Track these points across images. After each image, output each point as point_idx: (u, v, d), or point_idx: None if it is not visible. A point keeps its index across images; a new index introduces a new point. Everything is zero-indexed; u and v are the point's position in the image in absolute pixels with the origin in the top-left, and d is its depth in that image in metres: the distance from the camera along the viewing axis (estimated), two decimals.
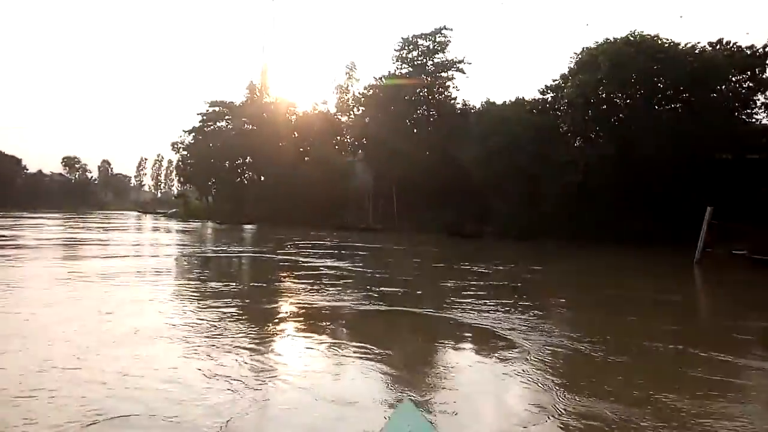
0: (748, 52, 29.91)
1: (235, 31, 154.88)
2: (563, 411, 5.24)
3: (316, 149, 53.30)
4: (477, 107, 48.22)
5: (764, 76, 29.17)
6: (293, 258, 21.48)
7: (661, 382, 6.24)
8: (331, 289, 13.76)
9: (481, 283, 15.53)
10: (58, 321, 8.35)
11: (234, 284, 14.21)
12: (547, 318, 10.32)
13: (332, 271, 17.51)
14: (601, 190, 31.38)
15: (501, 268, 19.11)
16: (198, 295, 12.00)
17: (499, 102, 39.21)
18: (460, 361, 7.24)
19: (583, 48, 32.13)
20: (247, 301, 11.58)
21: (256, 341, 7.72)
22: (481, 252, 27.59)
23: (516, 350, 7.65)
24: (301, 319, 9.79)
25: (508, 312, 10.69)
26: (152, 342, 7.36)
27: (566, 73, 34.78)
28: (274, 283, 15.59)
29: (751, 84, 30.05)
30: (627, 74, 28.53)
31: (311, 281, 15.00)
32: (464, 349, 8.10)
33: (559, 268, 20.25)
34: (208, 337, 7.74)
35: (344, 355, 7.15)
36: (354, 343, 7.76)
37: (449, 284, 14.97)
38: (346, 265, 19.39)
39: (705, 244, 22.58)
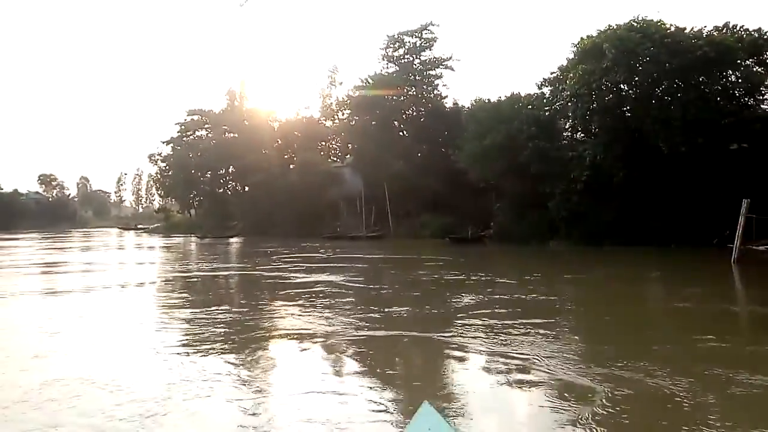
0: (756, 35, 28.02)
1: (213, 38, 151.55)
2: None
3: (302, 156, 50.82)
4: (468, 105, 46.24)
5: None
6: (283, 274, 19.14)
7: None
8: (325, 310, 11.77)
9: (506, 296, 13.26)
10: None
11: (215, 309, 11.92)
12: (604, 341, 8.02)
13: (326, 288, 15.39)
14: (611, 187, 29.24)
15: (529, 278, 16.80)
16: (174, 326, 9.72)
17: (493, 99, 36.98)
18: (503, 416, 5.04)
19: (585, 36, 30.07)
20: (229, 332, 9.29)
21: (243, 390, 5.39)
22: (490, 259, 25.33)
23: (575, 393, 5.45)
24: (289, 352, 8.34)
25: (549, 337, 8.43)
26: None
27: (565, 64, 32.69)
28: (261, 305, 13.29)
29: (760, 69, 28.14)
30: (635, 61, 26.50)
31: (303, 301, 13.12)
32: (503, 395, 5.85)
33: (593, 276, 17.91)
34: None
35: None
36: (352, 391, 6.12)
37: (466, 300, 12.73)
38: (341, 279, 17.15)
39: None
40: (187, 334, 9.54)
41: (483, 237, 35.71)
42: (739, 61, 26.74)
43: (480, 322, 9.88)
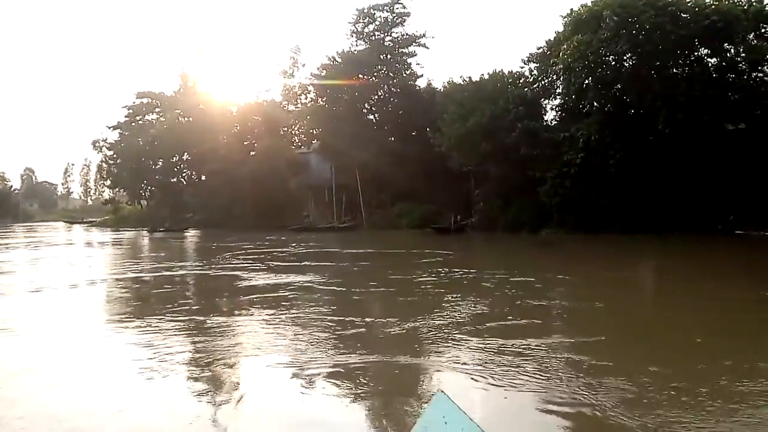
0: (759, 5, 25.98)
1: (165, 13, 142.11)
2: None
3: (263, 142, 46.95)
4: (443, 86, 43.36)
5: None
6: (243, 274, 15.81)
7: None
8: (293, 327, 8.97)
9: (531, 302, 10.47)
10: None
11: (156, 326, 8.71)
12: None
13: (296, 293, 12.51)
14: (606, 171, 26.90)
15: (551, 276, 13.94)
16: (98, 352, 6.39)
17: (473, 78, 34.17)
18: None
19: (581, 5, 27.46)
20: (171, 362, 6.09)
21: None
22: (491, 251, 22.49)
23: None
24: (238, 395, 5.83)
25: (618, 375, 5.56)
26: None
27: (554, 38, 30.11)
28: (214, 319, 10.00)
29: (765, 43, 26.17)
30: (637, 31, 24.05)
31: (265, 313, 10.28)
32: None
33: (632, 272, 15.07)
34: None
35: None
36: None
37: (479, 307, 9.84)
38: (314, 281, 14.05)
39: None
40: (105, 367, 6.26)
41: (465, 226, 32.99)
42: (745, 33, 24.57)
43: (510, 345, 7.04)
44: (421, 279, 14.05)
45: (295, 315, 10.17)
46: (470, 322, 8.85)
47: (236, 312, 11.00)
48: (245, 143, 53.93)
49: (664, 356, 6.82)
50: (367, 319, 9.43)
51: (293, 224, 40.21)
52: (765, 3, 25.99)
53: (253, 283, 14.40)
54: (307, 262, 18.52)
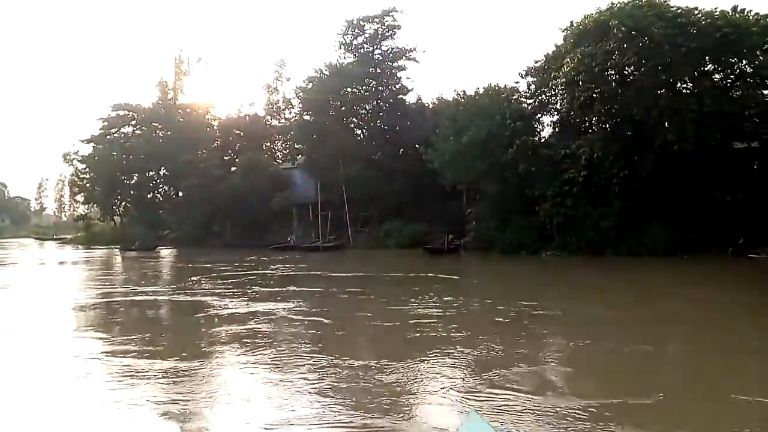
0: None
1: (143, 21, 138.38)
2: None
3: (245, 157, 44.83)
4: (433, 101, 41.87)
5: None
6: (217, 301, 13.80)
7: None
8: (269, 372, 7.54)
9: (562, 343, 8.65)
10: None
11: (91, 369, 6.88)
12: None
13: (274, 326, 10.78)
14: (611, 190, 25.34)
15: (576, 309, 12.06)
16: None
17: (469, 92, 32.57)
18: None
19: (583, 17, 26.09)
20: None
21: None
22: (492, 275, 20.56)
23: None
24: None
25: None
26: None
27: (554, 50, 28.73)
28: (172, 363, 8.06)
29: None
30: (645, 42, 22.68)
31: (239, 353, 8.67)
32: None
33: (661, 306, 13.21)
34: None
35: None
36: None
37: (497, 350, 8.11)
38: (296, 310, 12.22)
39: None
40: None
41: (458, 247, 31.15)
42: (756, 47, 23.37)
43: (545, 405, 5.29)
44: (421, 310, 12.08)
45: (272, 355, 8.40)
46: (488, 368, 7.09)
47: (202, 350, 9.09)
48: (226, 158, 51.82)
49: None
50: (358, 363, 7.75)
51: (276, 243, 38.05)
52: None
53: (226, 311, 12.41)
54: (289, 287, 16.48)
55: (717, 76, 24.04)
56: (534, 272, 21.68)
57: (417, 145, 36.95)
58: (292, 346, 9.02)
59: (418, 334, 9.69)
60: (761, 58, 23.58)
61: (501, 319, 11.06)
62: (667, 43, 22.54)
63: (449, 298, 13.61)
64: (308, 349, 8.76)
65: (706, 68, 23.63)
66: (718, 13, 23.36)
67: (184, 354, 8.42)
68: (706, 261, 22.51)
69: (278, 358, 8.17)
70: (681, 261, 23.04)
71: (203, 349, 9.20)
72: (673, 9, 24.15)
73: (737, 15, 24.04)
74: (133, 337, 9.87)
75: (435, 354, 8.25)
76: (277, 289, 16.09)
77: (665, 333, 10.01)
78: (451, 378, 7.03)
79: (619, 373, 7.50)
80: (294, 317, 11.51)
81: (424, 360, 7.95)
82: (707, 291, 14.92)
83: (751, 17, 23.90)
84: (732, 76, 23.87)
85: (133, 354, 8.56)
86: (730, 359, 8.04)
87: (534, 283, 18.34)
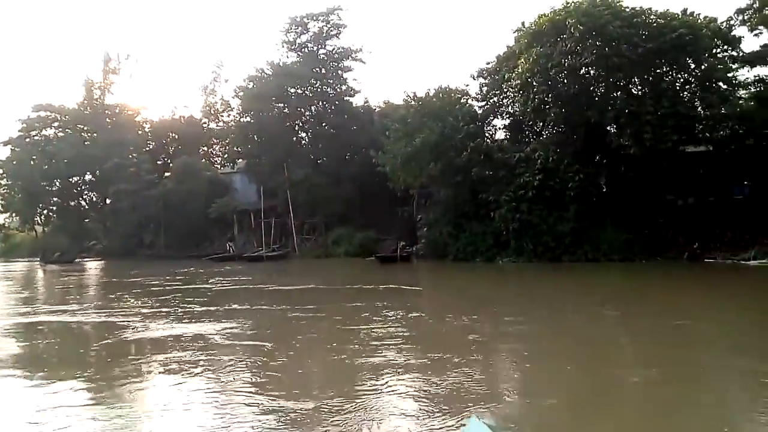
0: (722, 25, 24.88)
1: (68, 21, 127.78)
2: None
3: (180, 161, 41.87)
4: (380, 104, 40.54)
5: (743, 50, 24.40)
6: (135, 323, 11.73)
7: None
8: (197, 415, 5.89)
9: (556, 367, 7.21)
10: None
11: None
12: None
13: (206, 353, 8.89)
14: (567, 194, 24.63)
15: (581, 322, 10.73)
16: None
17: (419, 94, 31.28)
18: None
19: (537, 16, 25.32)
20: None
21: None
22: (454, 285, 19.09)
23: None
24: None
25: None
26: None
27: (506, 51, 27.98)
28: (77, 398, 6.07)
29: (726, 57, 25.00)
30: (604, 42, 22.06)
31: (161, 388, 7.12)
32: None
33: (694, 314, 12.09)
34: None
35: None
36: None
37: (485, 378, 6.63)
38: (233, 333, 10.50)
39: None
40: None
41: (410, 254, 29.75)
42: (710, 49, 23.32)
43: None
44: (382, 329, 10.43)
45: (191, 396, 6.63)
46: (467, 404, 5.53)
47: (114, 384, 7.11)
48: (159, 162, 48.60)
49: None
50: (304, 405, 6.11)
51: (214, 253, 35.48)
52: (721, 21, 24.99)
53: (148, 335, 10.40)
54: (227, 305, 14.43)
55: (671, 77, 23.74)
56: (497, 281, 20.48)
57: (365, 149, 35.45)
58: (220, 382, 7.22)
59: (379, 360, 8.04)
60: (711, 60, 23.55)
61: (477, 337, 9.61)
62: (625, 43, 22.03)
63: (415, 314, 12.02)
64: (241, 386, 6.97)
65: (661, 70, 23.26)
66: (670, 15, 23.10)
67: (88, 387, 6.45)
68: (663, 266, 22.07)
69: (200, 400, 6.35)
70: (639, 266, 22.51)
71: (116, 381, 7.21)
72: (629, 9, 23.76)
73: (689, 17, 23.93)
74: (28, 367, 7.76)
75: (402, 388, 6.66)
76: (211, 307, 14.01)
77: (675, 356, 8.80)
78: (420, 420, 5.46)
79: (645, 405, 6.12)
80: (228, 342, 9.64)
81: (389, 394, 6.37)
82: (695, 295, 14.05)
83: (701, 20, 23.85)
84: (686, 78, 23.63)
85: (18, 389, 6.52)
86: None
87: (505, 294, 17.06)
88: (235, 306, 14.21)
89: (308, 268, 28.48)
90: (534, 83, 24.12)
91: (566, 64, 22.95)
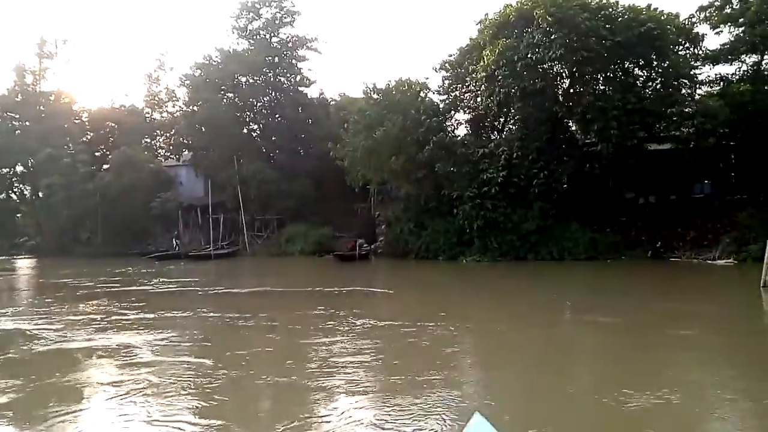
0: (685, 22, 24.67)
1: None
2: None
3: (120, 152, 38.94)
4: (337, 97, 38.99)
5: (705, 47, 24.26)
6: (50, 332, 9.97)
7: None
8: None
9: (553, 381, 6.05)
10: None
11: None
12: None
13: (133, 372, 7.36)
14: (531, 191, 23.92)
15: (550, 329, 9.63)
16: None
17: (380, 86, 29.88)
18: None
19: (503, 7, 24.37)
20: None
21: None
22: (428, 286, 17.83)
23: None
24: None
25: None
26: None
27: (470, 43, 26.94)
28: None
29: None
30: (572, 35, 21.29)
31: (78, 416, 5.74)
32: None
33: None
34: None
35: None
36: None
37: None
38: (168, 346, 8.98)
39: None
40: None
41: (369, 253, 28.43)
42: (675, 44, 23.01)
43: None
44: (348, 342, 9.06)
45: (113, 424, 5.19)
46: None
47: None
48: (97, 153, 45.18)
49: None
50: None
51: (158, 251, 33.08)
52: (684, 19, 24.77)
53: (64, 346, 8.73)
54: (165, 311, 12.67)
55: (638, 72, 23.34)
56: (470, 282, 19.32)
57: (321, 143, 33.84)
58: (142, 408, 5.69)
59: (341, 383, 6.69)
60: (675, 56, 23.25)
61: (453, 350, 8.39)
62: (593, 36, 21.36)
63: (388, 322, 10.67)
64: (171, 416, 5.47)
65: (627, 64, 22.80)
66: (637, 9, 22.64)
67: None
68: (629, 265, 21.64)
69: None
70: (604, 265, 22.00)
71: (11, 410, 5.57)
72: (596, 1, 23.18)
73: (654, 12, 23.56)
74: None
75: (369, 418, 5.35)
76: (146, 313, 12.24)
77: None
78: None
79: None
80: (159, 357, 8.09)
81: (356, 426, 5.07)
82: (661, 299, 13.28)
83: (665, 15, 23.51)
84: (650, 74, 23.25)
85: None
86: None
87: (482, 297, 15.92)
88: (174, 313, 12.48)
89: (261, 267, 26.70)
90: (499, 76, 23.21)
91: (533, 57, 22.10)
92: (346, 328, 10.08)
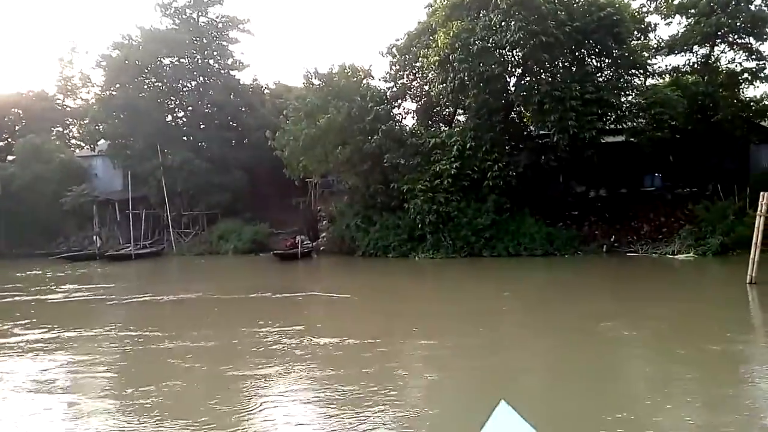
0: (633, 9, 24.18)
1: None
2: None
3: (25, 141, 34.53)
4: (273, 84, 36.46)
5: (659, 36, 23.95)
6: None
7: None
8: None
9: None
10: None
11: None
12: None
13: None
14: (485, 184, 22.64)
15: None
16: None
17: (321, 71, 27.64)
18: None
19: None
20: None
21: None
22: (388, 286, 15.88)
23: None
24: None
25: None
26: None
27: (419, 27, 25.30)
28: None
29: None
30: (531, 17, 20.05)
31: None
32: None
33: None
34: None
35: None
36: None
37: None
38: (56, 376, 6.62)
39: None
40: None
41: (311, 250, 26.30)
42: (631, 33, 22.40)
43: None
44: (292, 373, 7.07)
45: None
46: None
47: None
48: (0, 143, 40.33)
49: None
50: None
51: (70, 250, 29.42)
52: (634, 9, 24.28)
53: None
54: (65, 327, 10.12)
55: (594, 60, 22.56)
56: (432, 282, 17.71)
57: (255, 132, 31.23)
58: None
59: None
60: (631, 46, 22.66)
61: (435, 378, 6.61)
62: (552, 20, 20.24)
63: (352, 341, 8.72)
64: None
65: (585, 52, 21.94)
66: None
67: None
68: (587, 261, 20.83)
69: None
70: (562, 261, 21.08)
71: None
72: None
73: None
74: None
75: None
76: (40, 331, 9.66)
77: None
78: None
79: None
80: (44, 392, 5.81)
81: None
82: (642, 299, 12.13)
83: (619, 2, 22.81)
84: (607, 63, 22.51)
85: None
86: None
87: (452, 300, 14.30)
88: (78, 329, 9.95)
89: (190, 268, 23.95)
90: (454, 61, 21.65)
91: (491, 41, 20.72)
92: (298, 345, 8.07)
